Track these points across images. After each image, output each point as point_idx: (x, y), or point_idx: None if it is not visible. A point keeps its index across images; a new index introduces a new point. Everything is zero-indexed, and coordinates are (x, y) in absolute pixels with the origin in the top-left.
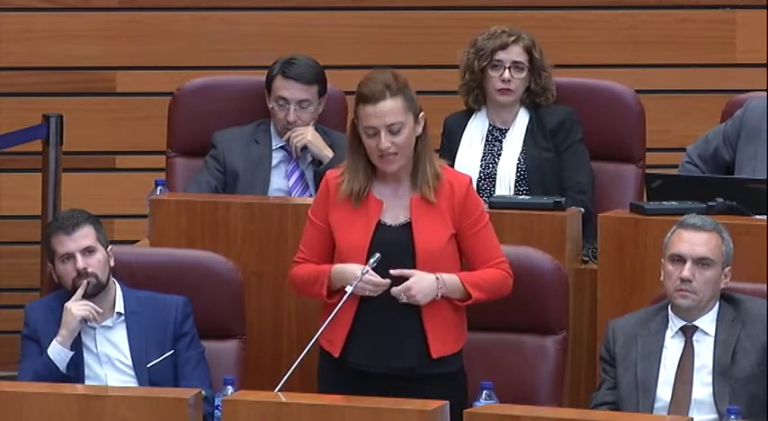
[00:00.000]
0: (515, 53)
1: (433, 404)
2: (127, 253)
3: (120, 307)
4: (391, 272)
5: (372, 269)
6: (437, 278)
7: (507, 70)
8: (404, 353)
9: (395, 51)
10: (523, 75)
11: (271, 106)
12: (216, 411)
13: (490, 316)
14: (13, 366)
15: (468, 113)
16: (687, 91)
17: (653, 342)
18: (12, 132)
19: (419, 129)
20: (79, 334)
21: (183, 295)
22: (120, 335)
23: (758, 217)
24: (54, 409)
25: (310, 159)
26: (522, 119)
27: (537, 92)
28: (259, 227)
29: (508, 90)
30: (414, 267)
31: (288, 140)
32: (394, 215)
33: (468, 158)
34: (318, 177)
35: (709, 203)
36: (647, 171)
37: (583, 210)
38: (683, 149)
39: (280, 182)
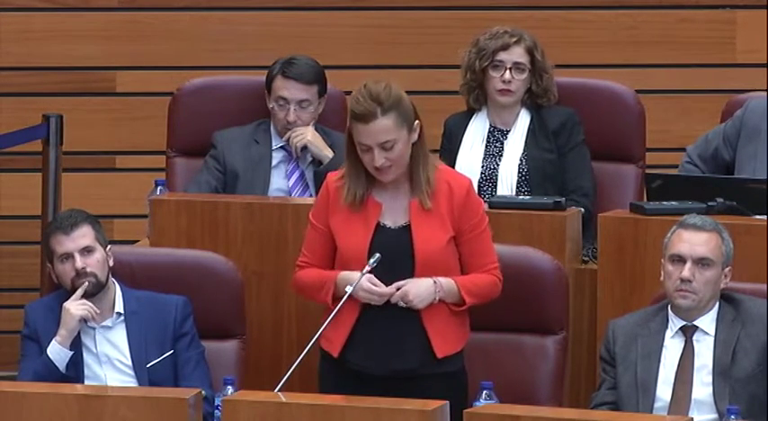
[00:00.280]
0: (517, 54)
1: (433, 404)
2: (127, 253)
3: (119, 307)
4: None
5: (373, 269)
6: (434, 282)
7: (508, 71)
8: (404, 355)
9: (395, 51)
10: (524, 76)
11: (271, 106)
12: (216, 411)
13: (490, 316)
14: (13, 366)
15: (468, 114)
16: (687, 91)
17: (653, 342)
18: (12, 132)
19: (414, 137)
20: (79, 334)
21: (183, 295)
22: (119, 335)
23: (758, 217)
24: (54, 409)
25: (310, 159)
26: (524, 120)
27: (538, 93)
28: (259, 227)
29: (508, 91)
30: (413, 269)
31: (288, 140)
32: (393, 217)
33: (469, 159)
34: (318, 177)
35: (710, 203)
36: (647, 171)
37: (583, 210)
38: (683, 149)
39: (280, 182)
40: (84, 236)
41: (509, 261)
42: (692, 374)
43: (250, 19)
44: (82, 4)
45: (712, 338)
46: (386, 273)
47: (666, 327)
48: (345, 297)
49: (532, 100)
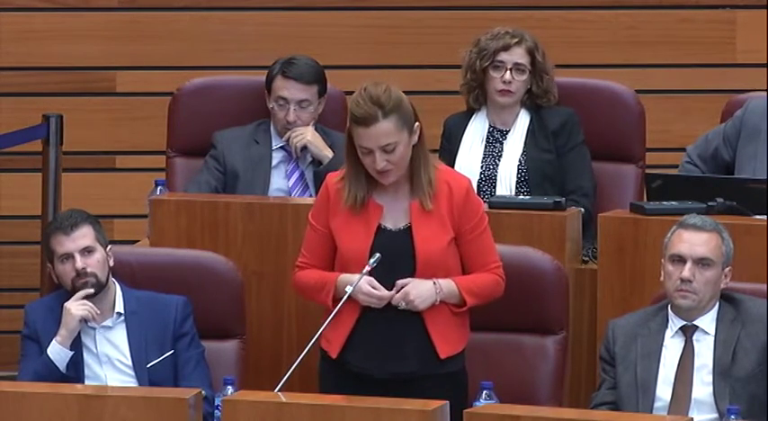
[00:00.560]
0: (517, 55)
1: (433, 404)
2: (127, 253)
3: (119, 307)
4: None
5: (373, 270)
6: (434, 283)
7: (509, 72)
8: (405, 357)
9: (395, 51)
10: (524, 77)
11: (271, 106)
12: (216, 411)
13: (490, 316)
14: (13, 366)
15: (468, 114)
16: (687, 91)
17: (653, 341)
18: (12, 132)
19: (415, 139)
20: (79, 334)
21: (183, 295)
22: (119, 336)
23: (758, 217)
24: (54, 409)
25: (310, 159)
26: (523, 120)
27: (538, 94)
28: (259, 227)
29: (508, 91)
30: (414, 271)
31: (288, 140)
32: (394, 219)
33: (469, 160)
34: (318, 177)
35: (709, 203)
36: (647, 171)
37: (583, 210)
38: (683, 149)
39: (280, 182)
40: (84, 236)
41: (509, 261)
42: (692, 374)
43: (250, 19)
44: (82, 4)
45: (712, 338)
46: (387, 275)
47: (666, 327)
48: (345, 297)
49: (532, 100)
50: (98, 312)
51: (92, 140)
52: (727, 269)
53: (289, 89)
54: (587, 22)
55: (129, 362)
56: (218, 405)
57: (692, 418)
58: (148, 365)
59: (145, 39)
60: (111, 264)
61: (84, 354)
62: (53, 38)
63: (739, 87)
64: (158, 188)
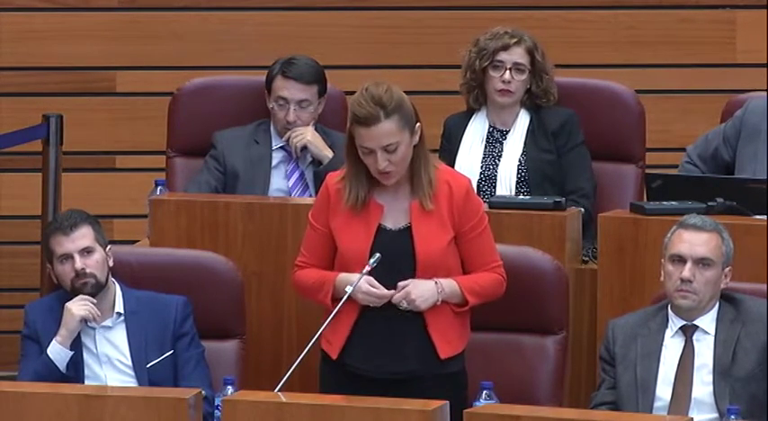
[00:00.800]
0: (517, 55)
1: (433, 404)
2: (127, 253)
3: (119, 307)
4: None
5: (373, 270)
6: (436, 283)
7: (508, 71)
8: (405, 358)
9: (395, 51)
10: (524, 77)
11: (271, 106)
12: (216, 411)
13: (490, 316)
14: (13, 366)
15: (468, 114)
16: (687, 91)
17: (653, 341)
18: (12, 132)
19: (416, 139)
20: (79, 334)
21: (182, 295)
22: (119, 336)
23: (758, 217)
24: (54, 409)
25: (310, 159)
26: (523, 120)
27: (538, 94)
28: (259, 227)
29: (508, 91)
30: (414, 271)
31: (288, 140)
32: (394, 219)
33: (469, 160)
34: (318, 177)
35: (709, 203)
36: (647, 171)
37: (583, 210)
38: (683, 149)
39: (280, 182)
40: (83, 236)
41: (509, 261)
42: (692, 374)
43: (250, 19)
44: (82, 4)
45: (712, 338)
46: (387, 275)
47: (666, 327)
48: (345, 297)
49: (532, 101)
50: (98, 314)
51: (92, 140)
52: (727, 269)
53: (289, 89)
54: (587, 22)
55: (129, 362)
56: (218, 405)
57: (692, 418)
58: (148, 365)
59: (145, 39)
60: (111, 264)
61: (84, 354)
62: (53, 38)
63: (739, 87)
64: (158, 188)
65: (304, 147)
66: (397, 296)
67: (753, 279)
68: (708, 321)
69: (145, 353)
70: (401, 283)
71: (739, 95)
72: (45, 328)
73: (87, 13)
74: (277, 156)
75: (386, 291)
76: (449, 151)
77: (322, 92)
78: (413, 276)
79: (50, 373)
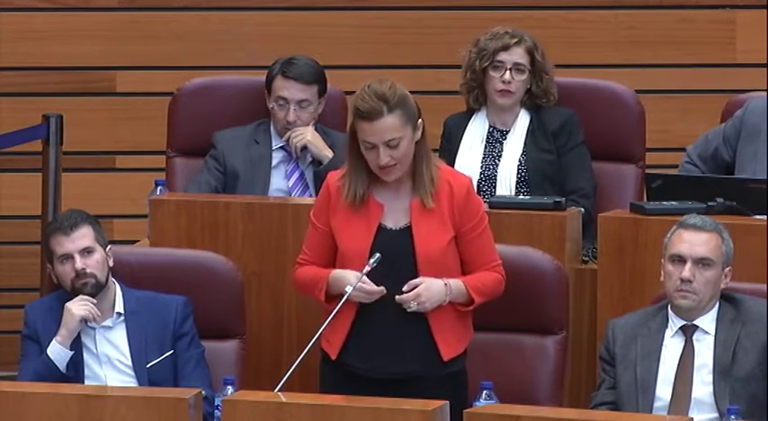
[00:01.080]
0: (517, 55)
1: (433, 404)
2: (127, 253)
3: (119, 307)
4: (404, 289)
5: (373, 270)
6: (445, 284)
7: (508, 72)
8: (405, 358)
9: (395, 51)
10: (524, 77)
11: (271, 106)
12: (216, 411)
13: (490, 316)
14: (13, 366)
15: (468, 114)
16: (687, 91)
17: (653, 341)
18: (12, 132)
19: (418, 135)
20: (79, 334)
21: (182, 295)
22: (119, 336)
23: (758, 217)
24: (54, 409)
25: (310, 159)
26: (523, 120)
27: (538, 94)
28: (259, 227)
29: (508, 91)
30: (415, 270)
31: (288, 140)
32: (395, 218)
33: (469, 160)
34: (318, 177)
35: (709, 203)
36: (647, 171)
37: (583, 210)
38: (683, 149)
39: (280, 182)
40: (83, 236)
41: (509, 261)
42: (692, 374)
43: (250, 19)
44: (82, 4)
45: (712, 337)
46: (387, 274)
47: (666, 327)
48: (345, 298)
49: (532, 101)
50: (98, 314)
51: (92, 140)
52: (727, 269)
53: (289, 89)
54: (587, 22)
55: (129, 362)
56: (218, 405)
57: (692, 418)
58: (148, 365)
59: (145, 39)
60: (111, 264)
61: (84, 354)
62: (53, 38)
63: (739, 87)
64: (158, 188)
65: (304, 147)
66: (407, 296)
67: (753, 279)
68: (708, 321)
69: (145, 353)
70: (413, 282)
71: (739, 95)
72: (45, 328)
73: (87, 13)
74: (277, 156)
75: (375, 287)
76: (449, 151)
77: (322, 92)
78: (413, 276)
79: (50, 373)
